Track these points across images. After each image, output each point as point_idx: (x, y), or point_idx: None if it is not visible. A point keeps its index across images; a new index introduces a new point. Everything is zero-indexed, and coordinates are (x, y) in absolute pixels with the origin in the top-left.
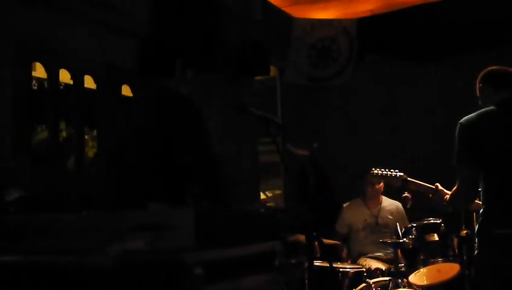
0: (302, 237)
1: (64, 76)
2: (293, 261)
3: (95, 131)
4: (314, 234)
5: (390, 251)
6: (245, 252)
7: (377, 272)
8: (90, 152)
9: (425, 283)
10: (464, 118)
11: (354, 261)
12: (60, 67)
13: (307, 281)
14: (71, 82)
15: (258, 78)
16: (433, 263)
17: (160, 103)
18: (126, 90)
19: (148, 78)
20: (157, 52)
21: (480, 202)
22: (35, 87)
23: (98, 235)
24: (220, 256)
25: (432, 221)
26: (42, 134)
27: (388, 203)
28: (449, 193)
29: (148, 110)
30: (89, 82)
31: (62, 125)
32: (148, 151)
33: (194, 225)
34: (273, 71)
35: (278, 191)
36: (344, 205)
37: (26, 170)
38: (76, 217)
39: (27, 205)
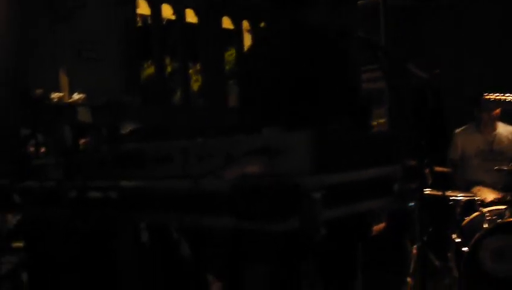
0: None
1: (167, 11)
2: (412, 186)
3: (198, 64)
4: (426, 160)
5: (505, 178)
6: (364, 176)
7: (491, 201)
8: (195, 85)
9: None
10: None
11: (467, 190)
12: (162, 3)
13: (417, 209)
14: (173, 17)
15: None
16: None
17: (298, 33)
18: (227, 23)
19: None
20: None
21: None
22: (139, 24)
23: (214, 161)
24: (339, 180)
25: None
26: (149, 70)
27: (504, 129)
28: None
29: (284, 40)
30: (191, 16)
31: (167, 60)
32: (286, 80)
33: (311, 148)
34: None
35: (381, 120)
36: (456, 131)
37: (137, 104)
38: (192, 143)
39: (141, 137)
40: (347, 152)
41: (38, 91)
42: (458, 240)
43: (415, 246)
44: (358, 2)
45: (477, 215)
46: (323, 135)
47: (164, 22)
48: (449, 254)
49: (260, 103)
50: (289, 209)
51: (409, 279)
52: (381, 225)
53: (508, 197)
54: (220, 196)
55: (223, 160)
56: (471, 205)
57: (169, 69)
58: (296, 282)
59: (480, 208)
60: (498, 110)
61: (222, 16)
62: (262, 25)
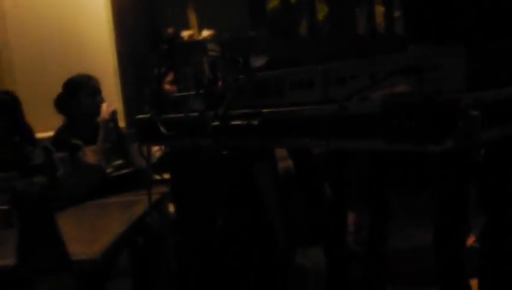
0: None
1: None
2: None
3: None
4: None
5: None
6: None
7: None
8: (320, 15)
9: None
10: None
11: None
12: None
13: None
14: None
15: None
16: None
17: None
18: None
19: None
20: None
21: None
22: None
23: (357, 82)
24: (497, 97)
25: None
26: (274, 2)
27: None
28: None
29: None
30: None
31: None
32: None
33: (465, 64)
34: None
35: None
36: None
37: (264, 37)
38: (332, 66)
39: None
40: (504, 68)
41: (170, 30)
42: None
43: None
44: None
45: None
46: (479, 50)
47: None
48: None
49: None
50: (446, 128)
51: None
52: None
53: None
54: (368, 117)
55: (368, 81)
56: None
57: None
58: (460, 208)
59: None
60: None
61: None
62: None
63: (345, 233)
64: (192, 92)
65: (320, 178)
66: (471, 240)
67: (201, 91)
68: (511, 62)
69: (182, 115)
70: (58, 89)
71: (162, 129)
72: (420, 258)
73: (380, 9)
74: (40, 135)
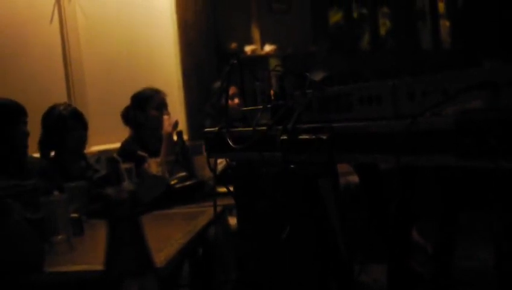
0: None
1: None
2: None
3: (385, 8)
4: None
5: None
6: None
7: None
8: (382, 29)
9: None
10: None
11: None
12: None
13: None
14: None
15: None
16: None
17: None
18: None
19: None
20: None
21: None
22: None
23: (428, 98)
24: None
25: None
26: (335, 17)
27: None
28: None
29: None
30: None
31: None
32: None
33: None
34: None
35: None
36: None
37: (325, 51)
38: (401, 82)
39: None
40: None
41: (233, 45)
42: None
43: None
44: None
45: None
46: None
47: None
48: None
49: (479, 34)
50: None
51: None
52: None
53: None
54: (441, 133)
55: (439, 97)
56: None
57: (355, 15)
58: None
59: None
60: None
61: None
62: None
63: (409, 252)
64: (260, 106)
65: (386, 194)
66: None
67: (269, 105)
68: None
69: (250, 128)
70: (126, 102)
71: (230, 142)
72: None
73: (445, 24)
74: (107, 147)
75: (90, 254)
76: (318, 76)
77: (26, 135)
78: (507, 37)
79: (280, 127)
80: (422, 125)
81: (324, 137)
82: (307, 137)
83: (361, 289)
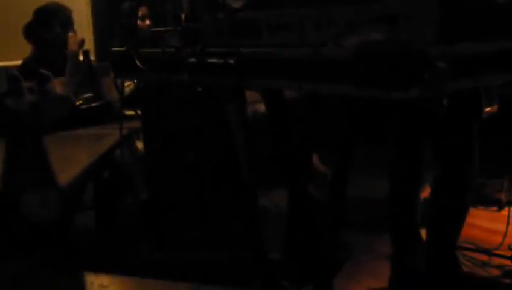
0: None
1: None
2: None
3: None
4: None
5: None
6: (491, 48)
7: None
8: None
9: None
10: None
11: None
12: None
13: None
14: None
15: None
16: None
17: None
18: None
19: None
20: None
21: None
22: None
23: (333, 29)
24: (464, 51)
25: None
26: None
27: None
28: None
29: None
30: None
31: None
32: None
33: (437, 16)
34: None
35: None
36: None
37: None
38: (309, 12)
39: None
40: (475, 22)
41: None
42: None
43: None
44: None
45: None
46: (452, 3)
47: None
48: None
49: None
50: (412, 77)
51: None
52: (494, 108)
53: None
54: (340, 63)
55: (343, 28)
56: None
57: None
58: (417, 160)
59: None
60: None
61: None
62: None
63: (308, 178)
64: (169, 28)
65: (289, 122)
66: (425, 192)
67: (179, 27)
68: (484, 16)
69: (159, 50)
70: (28, 17)
71: (138, 63)
72: (374, 207)
73: None
74: (7, 64)
75: None
76: (237, 3)
77: None
78: None
79: (189, 49)
80: (324, 54)
81: (232, 61)
82: (215, 61)
83: (263, 213)
